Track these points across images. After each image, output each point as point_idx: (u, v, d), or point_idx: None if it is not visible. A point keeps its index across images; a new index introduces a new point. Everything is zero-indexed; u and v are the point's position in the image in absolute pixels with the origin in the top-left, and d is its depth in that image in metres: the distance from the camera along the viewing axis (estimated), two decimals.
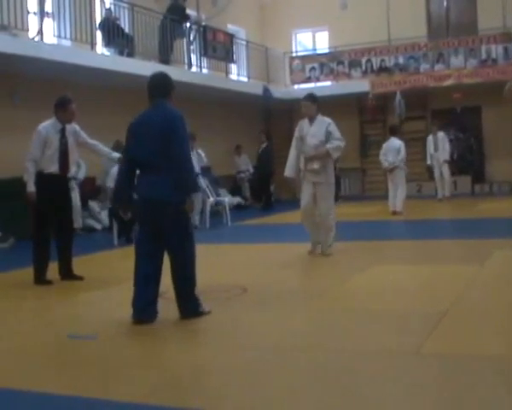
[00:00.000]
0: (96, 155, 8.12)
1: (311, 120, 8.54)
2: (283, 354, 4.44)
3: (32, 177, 7.34)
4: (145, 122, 5.57)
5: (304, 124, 8.63)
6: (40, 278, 7.37)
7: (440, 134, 16.64)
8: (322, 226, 8.49)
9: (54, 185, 7.41)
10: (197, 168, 13.54)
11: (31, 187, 7.33)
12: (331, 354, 4.47)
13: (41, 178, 7.37)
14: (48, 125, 7.49)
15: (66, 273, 7.57)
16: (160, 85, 5.66)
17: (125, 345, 4.92)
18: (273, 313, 5.64)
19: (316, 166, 8.38)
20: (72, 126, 7.64)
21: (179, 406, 3.59)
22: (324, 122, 8.55)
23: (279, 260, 8.38)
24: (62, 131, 7.48)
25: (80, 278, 7.56)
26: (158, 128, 5.40)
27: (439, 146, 16.49)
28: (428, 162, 16.70)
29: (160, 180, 5.37)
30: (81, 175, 12.62)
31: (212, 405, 3.59)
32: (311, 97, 8.68)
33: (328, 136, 8.45)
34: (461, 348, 4.38)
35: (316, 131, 8.47)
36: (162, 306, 6.15)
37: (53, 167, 7.40)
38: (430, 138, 16.71)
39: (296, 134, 8.69)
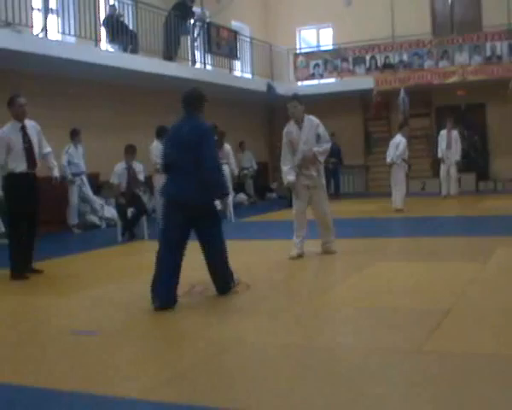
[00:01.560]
0: (45, 162, 8.15)
1: (299, 122, 8.19)
2: (287, 351, 4.45)
3: None
4: (178, 131, 6.21)
5: (292, 128, 8.25)
6: (18, 274, 7.58)
7: (454, 133, 16.52)
8: (322, 225, 8.42)
9: (25, 184, 7.64)
10: None
11: None
12: (333, 351, 4.48)
13: (13, 178, 7.60)
14: (7, 128, 7.72)
15: (29, 268, 7.79)
16: (193, 100, 6.23)
17: (128, 340, 4.93)
18: (274, 309, 5.65)
19: (314, 172, 8.19)
20: (33, 124, 7.86)
21: (184, 402, 3.60)
22: (313, 124, 8.22)
23: (282, 256, 8.37)
24: (23, 130, 7.69)
25: (41, 272, 7.82)
26: (188, 138, 6.00)
27: (452, 145, 16.38)
28: (440, 156, 16.57)
29: (188, 183, 5.94)
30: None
31: (218, 401, 3.59)
32: (298, 97, 8.32)
33: (318, 139, 8.18)
34: (463, 346, 4.37)
35: (306, 136, 8.16)
36: None
37: (22, 166, 7.63)
38: (443, 134, 16.56)
39: (285, 140, 8.27)
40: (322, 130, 8.25)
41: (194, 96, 6.28)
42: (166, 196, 6.19)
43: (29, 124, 7.79)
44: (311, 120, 8.26)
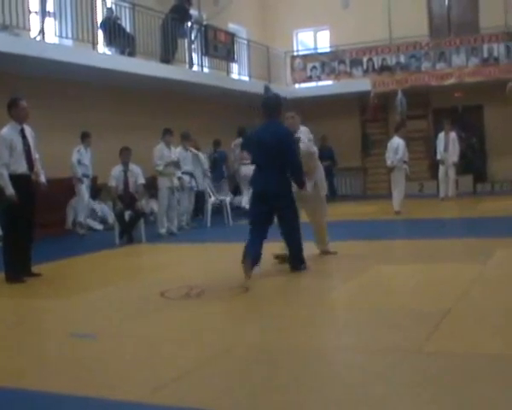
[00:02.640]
0: None
1: (295, 133, 7.82)
2: (288, 352, 4.44)
3: (8, 180, 7.50)
4: (260, 135, 7.32)
5: None
6: (13, 277, 7.52)
7: (452, 134, 16.48)
8: (317, 227, 8.34)
9: (24, 185, 7.61)
10: (190, 167, 13.49)
11: (10, 190, 7.48)
12: (334, 351, 4.47)
13: (13, 179, 7.53)
14: (8, 129, 7.69)
15: (27, 271, 7.71)
16: (272, 106, 7.35)
17: (126, 343, 4.91)
18: (275, 311, 5.64)
19: (309, 189, 7.91)
20: (30, 129, 7.85)
21: (183, 405, 3.58)
22: (305, 134, 7.98)
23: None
24: (22, 132, 7.70)
25: (39, 275, 7.75)
26: (270, 141, 7.06)
27: (450, 146, 16.36)
28: (438, 158, 16.54)
29: (269, 178, 7.13)
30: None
31: (218, 404, 3.59)
32: (295, 108, 8.15)
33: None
34: (464, 346, 4.36)
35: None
36: (163, 305, 6.17)
37: (22, 168, 7.62)
38: (441, 136, 16.52)
39: None
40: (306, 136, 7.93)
41: (272, 102, 7.38)
42: (253, 188, 7.60)
43: (27, 128, 7.80)
44: (305, 132, 8.00)
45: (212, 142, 16.46)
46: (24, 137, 7.69)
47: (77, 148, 12.64)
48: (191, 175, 13.56)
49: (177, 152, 12.81)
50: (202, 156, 14.71)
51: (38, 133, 8.04)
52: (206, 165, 14.75)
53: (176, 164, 12.34)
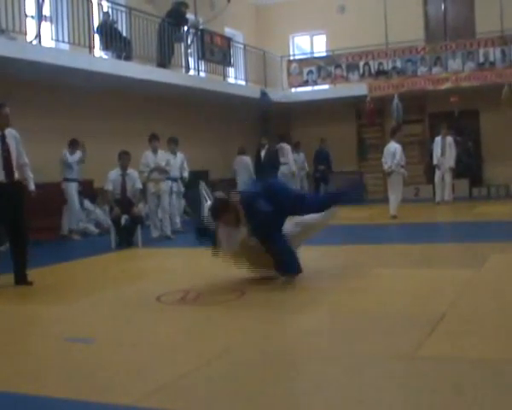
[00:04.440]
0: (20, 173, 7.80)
1: None
2: (281, 357, 4.44)
3: None
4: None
5: None
6: None
7: (449, 139, 16.50)
8: None
9: (2, 194, 7.35)
10: (177, 173, 13.40)
11: None
12: (329, 357, 4.47)
13: None
14: None
15: (21, 279, 7.55)
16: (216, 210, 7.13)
17: (123, 348, 4.91)
18: (271, 315, 5.64)
19: None
20: (13, 133, 7.59)
21: (177, 408, 3.58)
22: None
23: None
24: (2, 138, 7.43)
25: (30, 284, 7.55)
26: None
27: (446, 151, 16.38)
28: (435, 162, 16.58)
29: None
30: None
31: (208, 408, 3.59)
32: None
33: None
34: (458, 351, 4.37)
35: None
36: (159, 309, 6.16)
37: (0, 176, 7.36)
38: (438, 140, 16.55)
39: None
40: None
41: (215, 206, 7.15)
42: None
43: (9, 133, 7.51)
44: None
45: (238, 149, 17.23)
46: (3, 143, 7.39)
47: (62, 153, 12.54)
48: (175, 180, 13.32)
49: (165, 156, 12.65)
50: (249, 160, 15.01)
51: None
52: (252, 168, 15.27)
53: (162, 170, 12.28)
